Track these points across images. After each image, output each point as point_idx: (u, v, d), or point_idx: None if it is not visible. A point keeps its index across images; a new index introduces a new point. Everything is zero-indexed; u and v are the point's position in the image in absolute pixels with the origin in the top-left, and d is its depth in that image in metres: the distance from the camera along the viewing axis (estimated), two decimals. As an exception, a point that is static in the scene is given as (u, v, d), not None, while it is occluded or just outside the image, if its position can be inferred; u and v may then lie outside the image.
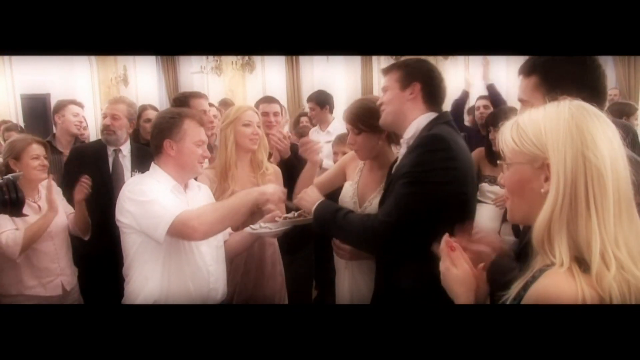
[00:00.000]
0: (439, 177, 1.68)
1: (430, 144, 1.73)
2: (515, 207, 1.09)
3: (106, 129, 3.14)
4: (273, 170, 2.52)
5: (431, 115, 1.85)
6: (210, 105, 3.59)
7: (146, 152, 2.74)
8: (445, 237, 1.25)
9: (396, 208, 1.71)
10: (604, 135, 0.98)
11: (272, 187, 2.03)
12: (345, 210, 1.89)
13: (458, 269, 1.19)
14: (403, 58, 1.94)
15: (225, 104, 4.71)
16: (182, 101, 3.09)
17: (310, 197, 1.97)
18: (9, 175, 1.51)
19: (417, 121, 1.84)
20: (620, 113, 4.22)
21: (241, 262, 2.37)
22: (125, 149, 3.19)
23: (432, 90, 1.86)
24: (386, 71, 1.93)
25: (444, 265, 1.22)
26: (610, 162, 0.97)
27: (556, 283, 0.95)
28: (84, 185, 2.65)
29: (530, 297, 0.98)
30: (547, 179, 1.00)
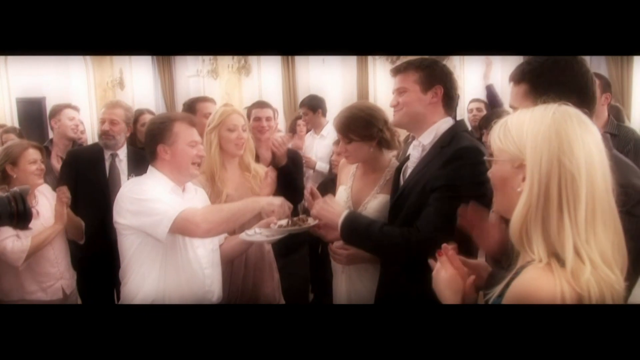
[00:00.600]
0: (478, 190, 1.65)
1: (471, 157, 1.70)
2: (498, 201, 1.15)
3: (105, 134, 3.11)
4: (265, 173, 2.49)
5: (449, 121, 1.84)
6: None
7: (143, 156, 2.71)
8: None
9: (442, 223, 1.67)
10: (582, 143, 1.00)
11: (280, 199, 2.03)
12: (379, 223, 1.85)
13: (446, 272, 1.24)
14: (401, 59, 1.92)
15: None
16: (189, 105, 3.18)
17: (333, 208, 1.92)
18: (16, 188, 1.47)
19: (437, 126, 1.83)
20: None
21: (241, 265, 2.37)
22: (122, 153, 3.16)
23: (451, 94, 1.85)
24: (399, 71, 1.87)
25: (435, 269, 1.27)
26: (586, 169, 0.99)
27: (534, 278, 0.98)
28: (62, 197, 2.61)
29: (510, 293, 1.01)
30: (524, 179, 1.03)
